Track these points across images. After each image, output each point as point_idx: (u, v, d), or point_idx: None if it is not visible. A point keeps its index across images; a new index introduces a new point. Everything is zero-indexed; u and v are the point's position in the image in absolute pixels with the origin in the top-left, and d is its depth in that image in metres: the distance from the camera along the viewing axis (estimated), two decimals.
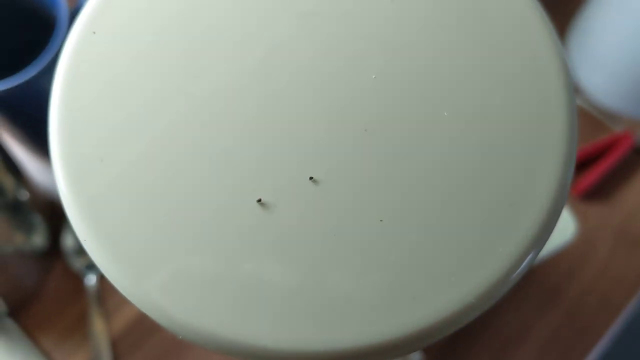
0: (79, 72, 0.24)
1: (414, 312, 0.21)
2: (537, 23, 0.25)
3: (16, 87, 0.39)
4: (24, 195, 0.49)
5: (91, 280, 0.50)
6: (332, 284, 0.22)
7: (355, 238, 0.23)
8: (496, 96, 0.24)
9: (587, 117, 0.58)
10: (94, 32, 0.25)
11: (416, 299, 0.22)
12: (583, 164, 0.56)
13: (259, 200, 0.23)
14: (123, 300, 0.50)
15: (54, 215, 0.51)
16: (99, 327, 0.48)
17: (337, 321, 0.22)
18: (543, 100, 0.24)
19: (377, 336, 0.21)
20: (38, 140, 0.48)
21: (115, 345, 0.49)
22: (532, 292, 0.52)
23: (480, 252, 0.22)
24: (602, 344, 0.51)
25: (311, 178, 0.23)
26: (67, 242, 0.50)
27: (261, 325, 0.22)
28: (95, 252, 0.23)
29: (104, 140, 0.24)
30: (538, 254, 0.23)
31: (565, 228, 0.43)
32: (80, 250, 0.49)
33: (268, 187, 0.23)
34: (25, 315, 0.49)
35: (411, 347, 0.22)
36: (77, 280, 0.50)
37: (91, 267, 0.49)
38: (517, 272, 0.22)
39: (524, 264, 0.22)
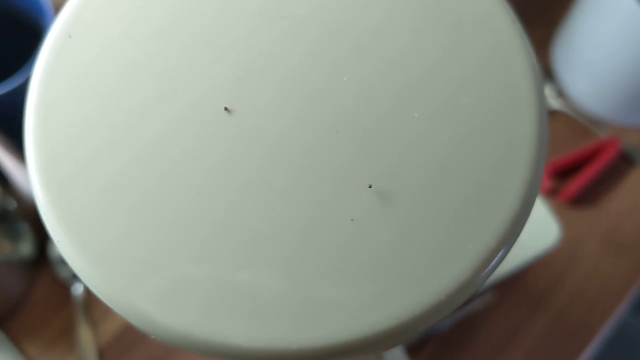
0: (54, 76, 0.25)
1: (385, 310, 0.22)
2: (506, 23, 0.26)
3: (2, 95, 0.39)
4: (11, 204, 0.49)
5: (78, 289, 0.50)
6: (305, 282, 0.22)
7: (326, 237, 0.23)
8: (465, 96, 0.24)
9: (573, 124, 0.58)
10: (70, 36, 0.25)
11: (386, 297, 0.22)
12: (569, 170, 0.56)
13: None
14: (110, 310, 0.50)
15: (41, 224, 0.51)
16: (85, 335, 0.48)
17: (309, 320, 0.22)
18: (512, 100, 0.24)
19: (349, 334, 0.21)
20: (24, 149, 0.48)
21: (102, 353, 0.48)
22: (520, 299, 0.52)
23: (450, 250, 0.22)
24: (589, 350, 0.51)
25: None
26: (54, 251, 0.50)
27: (239, 325, 0.22)
28: (68, 252, 0.23)
29: (81, 142, 0.24)
30: (508, 251, 0.23)
31: (549, 232, 0.43)
32: None
33: (242, 189, 0.23)
34: (12, 323, 0.49)
35: (382, 345, 0.22)
36: (64, 289, 0.50)
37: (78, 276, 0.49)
38: (487, 270, 0.22)
39: (494, 261, 0.22)
